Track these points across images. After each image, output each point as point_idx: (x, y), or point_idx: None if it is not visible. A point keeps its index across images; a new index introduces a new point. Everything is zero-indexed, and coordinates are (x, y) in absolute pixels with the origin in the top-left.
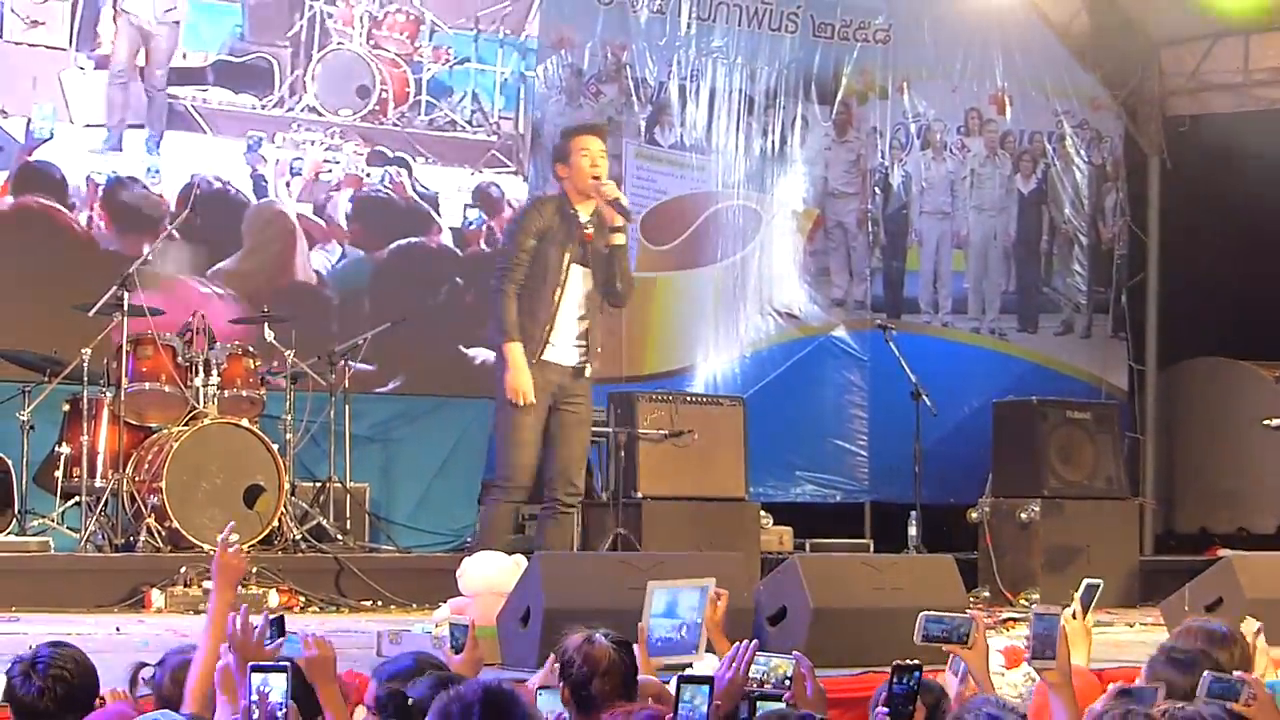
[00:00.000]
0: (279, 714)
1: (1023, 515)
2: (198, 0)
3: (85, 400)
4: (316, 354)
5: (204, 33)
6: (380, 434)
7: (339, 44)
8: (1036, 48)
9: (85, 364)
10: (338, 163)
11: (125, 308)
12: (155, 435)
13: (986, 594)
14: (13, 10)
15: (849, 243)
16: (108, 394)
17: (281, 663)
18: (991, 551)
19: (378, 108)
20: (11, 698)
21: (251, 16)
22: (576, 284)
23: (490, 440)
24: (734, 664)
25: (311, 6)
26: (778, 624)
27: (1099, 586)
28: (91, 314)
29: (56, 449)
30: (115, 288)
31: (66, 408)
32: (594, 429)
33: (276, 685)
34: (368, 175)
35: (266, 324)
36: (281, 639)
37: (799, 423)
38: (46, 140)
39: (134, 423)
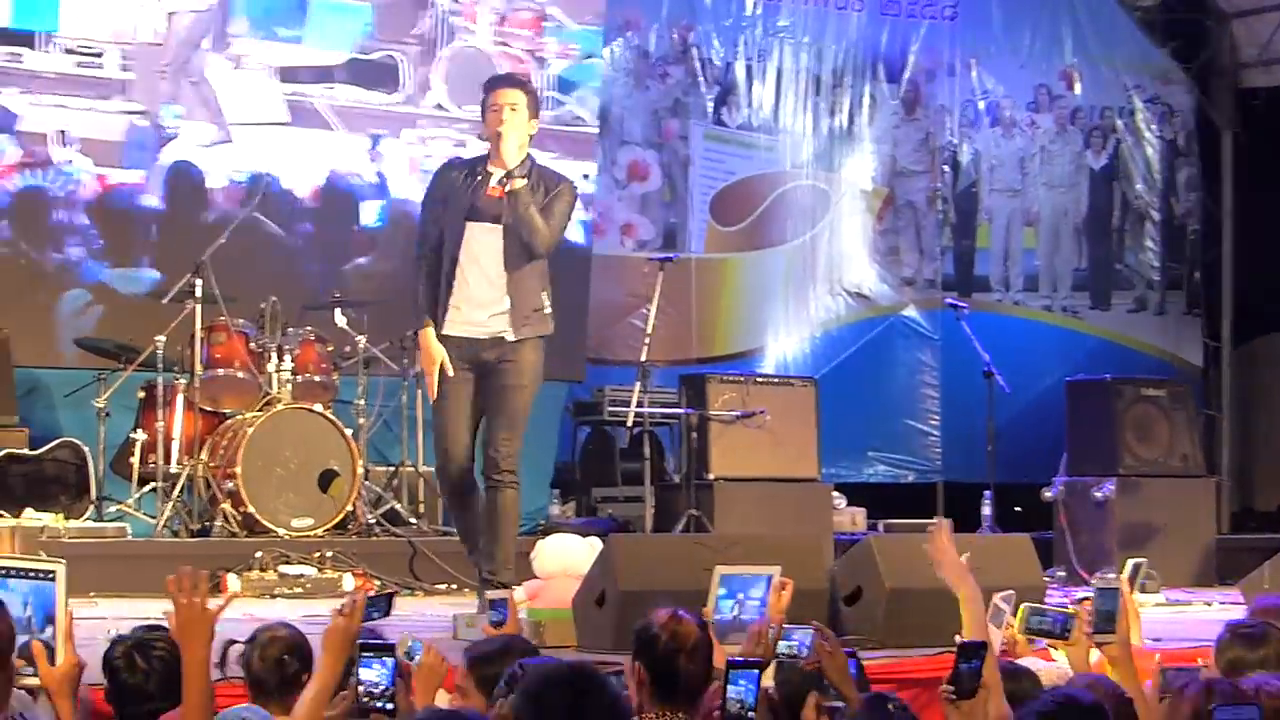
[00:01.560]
0: (386, 694)
1: (1098, 494)
2: (326, 1)
3: (160, 387)
4: (389, 339)
5: (332, 31)
6: None
7: (464, 41)
8: (1106, 22)
9: (160, 351)
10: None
11: (199, 295)
12: (230, 421)
13: (1062, 573)
14: (151, 12)
15: (919, 221)
16: (182, 380)
17: (388, 643)
18: (1066, 531)
19: None
20: (114, 679)
21: (380, 15)
22: (484, 246)
23: (564, 423)
24: (758, 640)
25: (437, 4)
26: (853, 604)
27: (1143, 565)
28: (165, 301)
29: (132, 436)
30: (189, 275)
31: (142, 395)
32: (666, 410)
33: (383, 666)
34: None
35: (338, 309)
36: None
37: (871, 403)
38: (173, 138)
39: (209, 409)
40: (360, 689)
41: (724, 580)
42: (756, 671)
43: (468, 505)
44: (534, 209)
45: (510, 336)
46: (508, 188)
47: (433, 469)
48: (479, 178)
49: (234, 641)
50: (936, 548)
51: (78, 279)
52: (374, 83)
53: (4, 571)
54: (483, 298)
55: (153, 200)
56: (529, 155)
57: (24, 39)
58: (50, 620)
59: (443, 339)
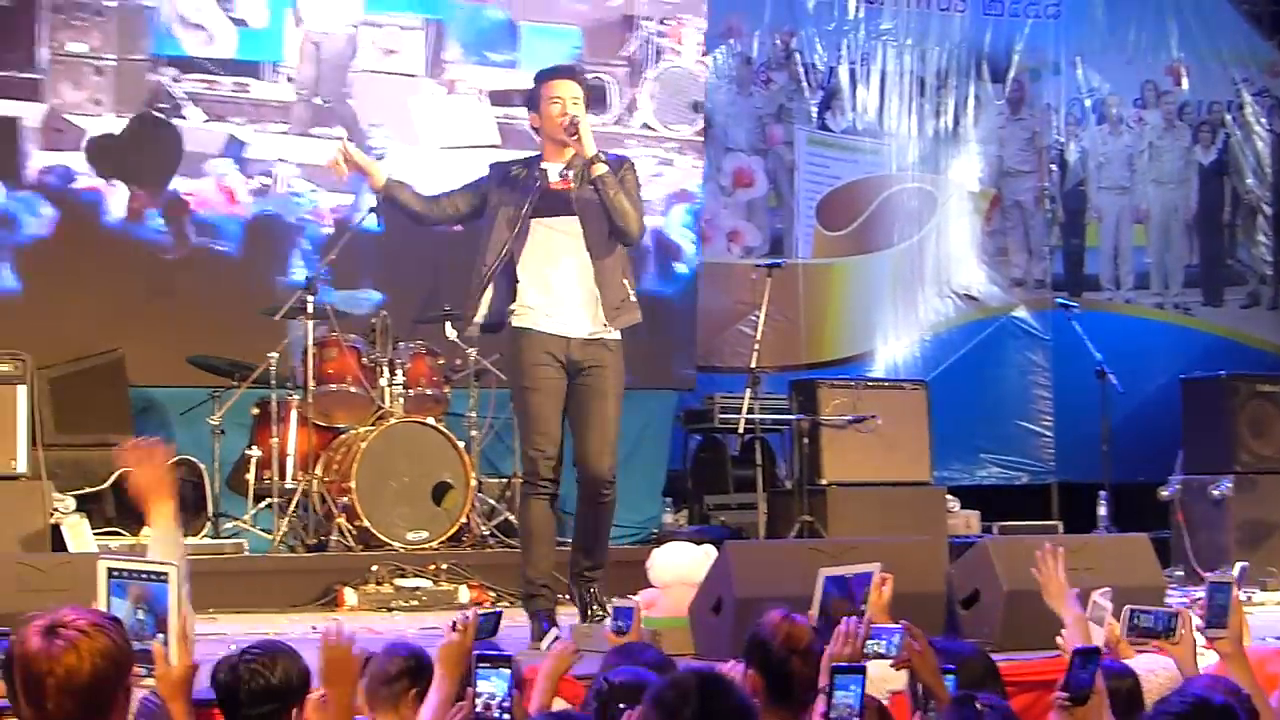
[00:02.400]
0: (504, 705)
1: (1215, 492)
2: (535, 24)
3: (274, 403)
4: (499, 350)
5: (543, 54)
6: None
7: (671, 61)
8: (1212, 15)
9: (273, 368)
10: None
11: (310, 311)
12: (343, 436)
13: (1180, 573)
14: (371, 42)
15: (1027, 221)
16: (296, 396)
17: (506, 654)
18: (1184, 529)
19: None
20: (229, 697)
21: (588, 37)
22: (561, 242)
23: (675, 432)
24: (847, 640)
25: (644, 26)
26: (970, 607)
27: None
28: (278, 318)
29: (247, 452)
30: (300, 291)
31: (256, 411)
32: (776, 417)
33: (500, 678)
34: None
35: (449, 322)
36: (489, 635)
37: (982, 405)
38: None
39: (322, 424)
40: (478, 701)
41: (827, 581)
42: (861, 675)
43: (550, 510)
44: (621, 193)
45: (605, 334)
46: (593, 172)
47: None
48: (537, 177)
49: (369, 656)
50: (1045, 574)
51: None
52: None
53: (116, 574)
54: (568, 295)
55: (370, 221)
56: None
57: (250, 69)
58: (162, 625)
59: (529, 335)
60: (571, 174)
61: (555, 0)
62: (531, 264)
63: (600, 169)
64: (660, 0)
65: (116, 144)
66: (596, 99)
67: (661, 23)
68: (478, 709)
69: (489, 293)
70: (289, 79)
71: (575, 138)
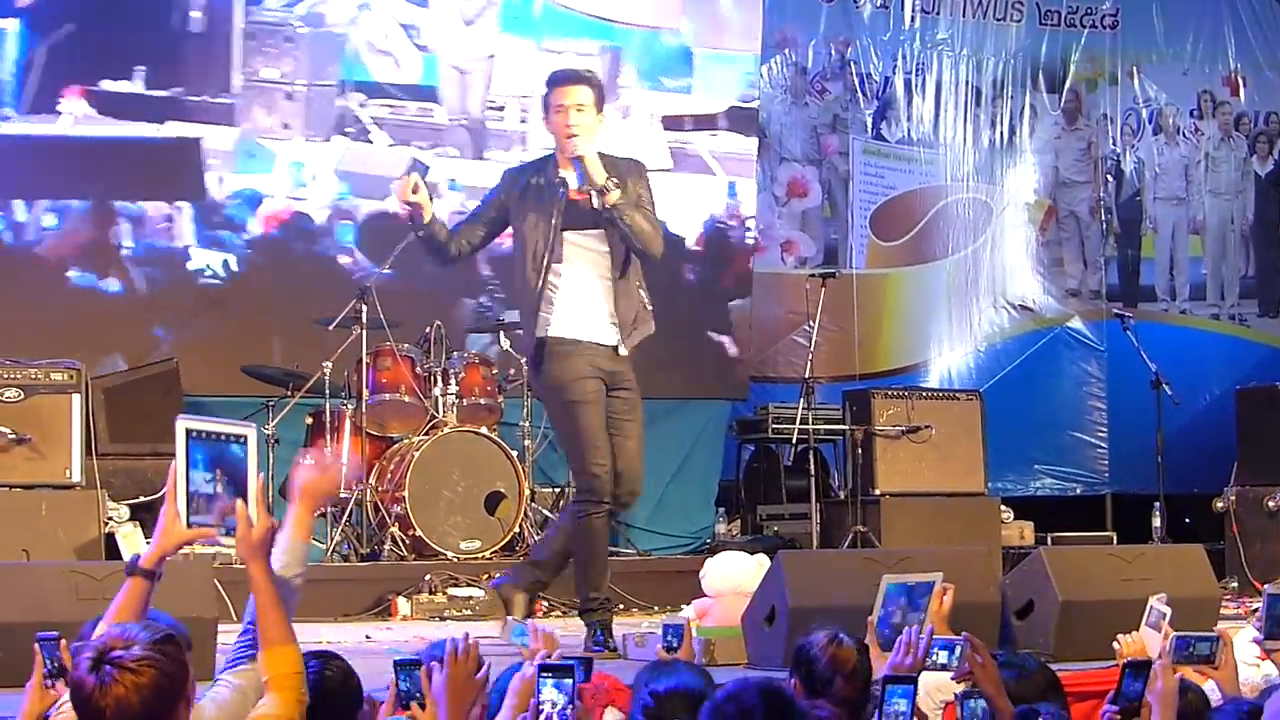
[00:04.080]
0: (565, 714)
1: (1270, 503)
2: (711, 50)
3: (328, 413)
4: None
5: (718, 80)
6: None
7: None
8: (1270, 26)
9: (326, 377)
10: None
11: (364, 320)
12: (397, 445)
13: (1235, 584)
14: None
15: (1082, 232)
16: (349, 406)
17: (568, 662)
18: (1239, 541)
19: None
20: None
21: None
22: (590, 256)
23: (728, 441)
24: (908, 650)
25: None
26: (1025, 617)
27: None
28: (332, 328)
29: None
30: (354, 301)
31: (309, 421)
32: (830, 427)
33: (560, 688)
34: None
35: (502, 332)
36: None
37: (1037, 415)
38: None
39: (375, 433)
40: (540, 711)
41: (889, 588)
42: (912, 685)
43: (608, 526)
44: (639, 215)
45: (623, 349)
46: (606, 203)
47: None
48: (558, 185)
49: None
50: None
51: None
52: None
53: (196, 435)
54: (599, 307)
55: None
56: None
57: (434, 94)
58: (240, 492)
59: (571, 346)
60: (590, 193)
61: (731, 26)
62: (564, 275)
63: (613, 197)
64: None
65: None
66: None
67: None
68: (540, 718)
69: (544, 312)
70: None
71: (566, 150)
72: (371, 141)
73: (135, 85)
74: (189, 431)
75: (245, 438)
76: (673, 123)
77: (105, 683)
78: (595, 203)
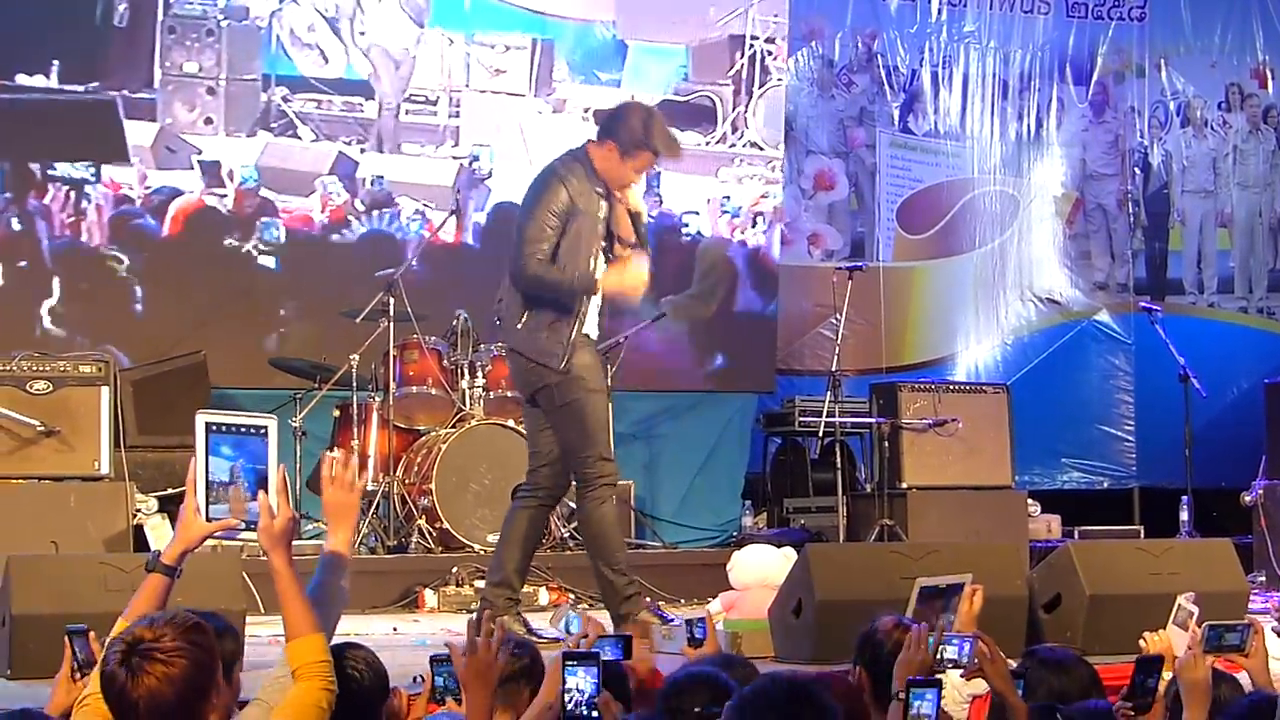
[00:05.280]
0: (592, 702)
1: None
2: (644, 44)
3: (355, 405)
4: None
5: (650, 74)
6: (643, 431)
7: (779, 80)
8: None
9: (354, 370)
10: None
11: (391, 313)
12: (424, 438)
13: (1262, 578)
14: (479, 61)
15: (1110, 225)
16: (376, 398)
17: (593, 652)
18: (1267, 535)
19: None
20: None
21: (695, 57)
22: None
23: (755, 434)
24: (918, 645)
25: (751, 45)
26: (1052, 611)
27: None
28: (359, 320)
29: (328, 454)
30: (381, 294)
31: (337, 413)
32: (857, 420)
33: (588, 676)
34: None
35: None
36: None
37: (1064, 409)
38: (486, 178)
39: (403, 426)
40: (566, 698)
41: (921, 590)
42: (937, 689)
43: None
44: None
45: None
46: (620, 252)
47: (631, 483)
48: (606, 218)
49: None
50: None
51: None
52: (690, 123)
53: (216, 429)
54: (596, 307)
55: (449, 225)
56: None
57: (362, 88)
58: (261, 484)
59: (589, 340)
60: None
61: (664, 20)
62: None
63: (626, 252)
64: (768, 19)
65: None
66: (706, 118)
67: (769, 41)
68: (567, 707)
69: (587, 310)
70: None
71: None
72: (297, 137)
73: (51, 80)
74: (209, 425)
75: (266, 429)
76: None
77: (137, 675)
78: (618, 250)
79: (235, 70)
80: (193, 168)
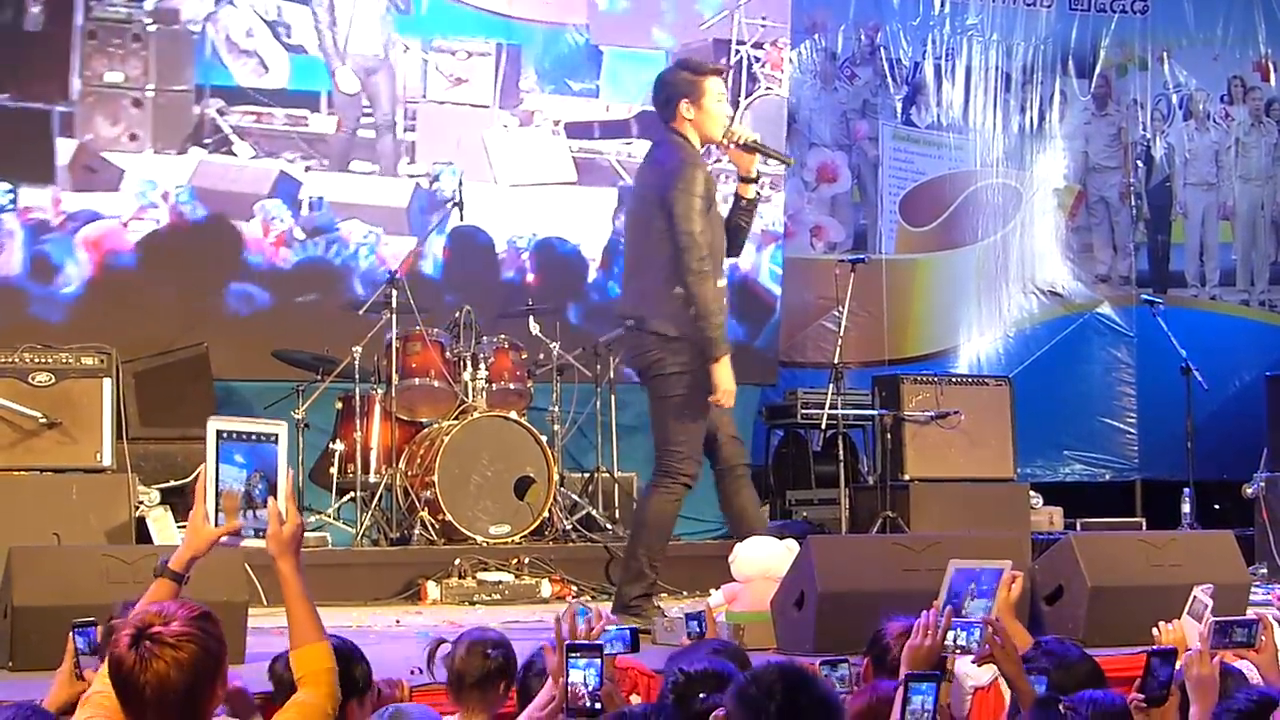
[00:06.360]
0: (596, 694)
1: None
2: (621, 49)
3: (357, 397)
4: (581, 346)
5: (628, 82)
6: (646, 423)
7: (768, 89)
8: None
9: (356, 362)
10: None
11: (394, 305)
12: (426, 430)
13: (1264, 570)
14: (437, 69)
15: (1112, 217)
16: (379, 390)
17: (597, 644)
18: (1269, 527)
19: None
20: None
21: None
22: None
23: (757, 426)
24: (925, 632)
25: (738, 51)
26: (1054, 603)
27: None
28: (361, 313)
29: (331, 446)
30: (384, 285)
31: (339, 405)
32: (859, 412)
33: (592, 667)
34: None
35: (531, 317)
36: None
37: (1066, 401)
38: (449, 201)
39: (405, 418)
40: (570, 690)
41: (955, 575)
42: (935, 684)
43: None
44: None
45: None
46: (747, 193)
47: (634, 475)
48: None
49: (443, 641)
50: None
51: None
52: None
53: (226, 436)
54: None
55: (436, 267)
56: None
57: (307, 100)
58: (271, 490)
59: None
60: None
61: (642, 23)
62: None
63: (751, 190)
64: (756, 22)
65: None
66: None
67: (757, 46)
68: (570, 699)
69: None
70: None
71: (738, 141)
72: (234, 154)
73: None
74: (220, 433)
75: (276, 436)
76: (579, 130)
77: (145, 658)
78: (750, 193)
79: (164, 80)
80: (118, 189)
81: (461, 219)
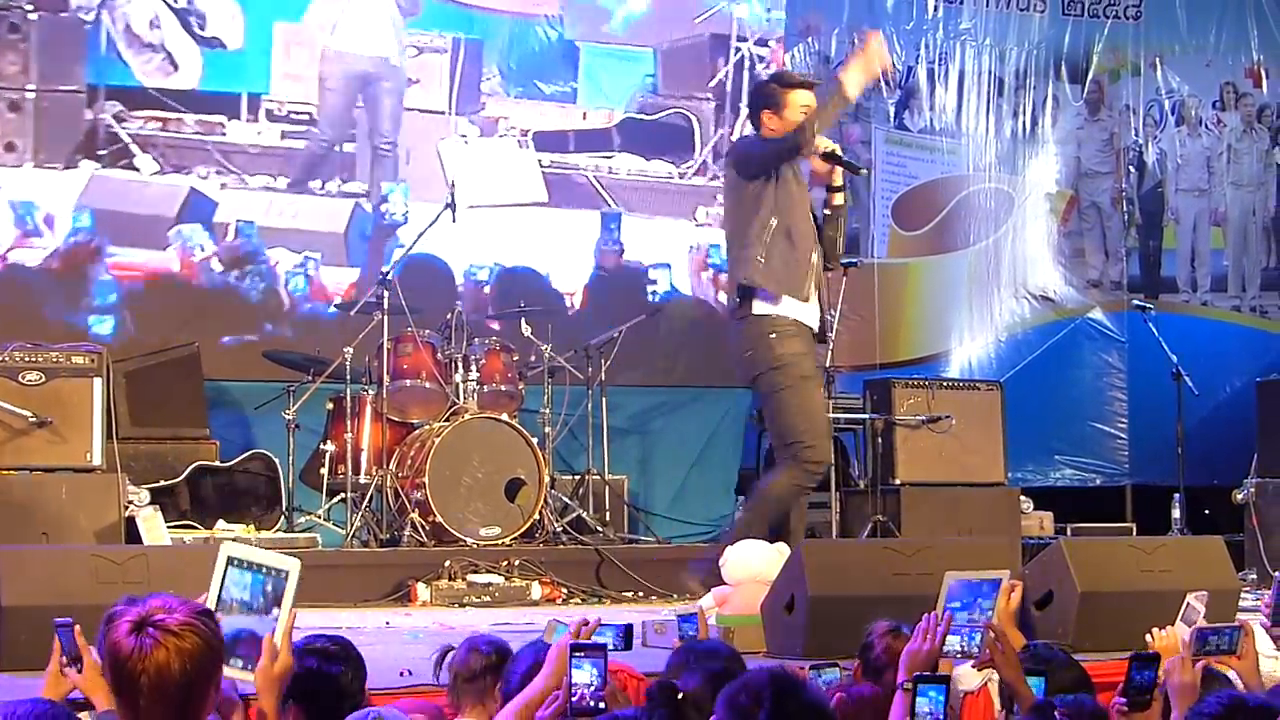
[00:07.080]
0: (598, 694)
1: None
2: (599, 45)
3: (348, 398)
4: (573, 348)
5: (607, 84)
6: (637, 426)
7: None
8: None
9: (348, 363)
10: None
11: (385, 306)
12: (417, 431)
13: (1253, 576)
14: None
15: (1104, 223)
16: (370, 392)
17: (599, 644)
18: (1259, 532)
19: None
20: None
21: (665, 63)
22: None
23: (748, 430)
24: (926, 636)
25: (739, 49)
26: (1044, 608)
27: None
28: (353, 313)
29: (321, 447)
30: (375, 286)
31: (330, 406)
32: (850, 416)
33: (594, 667)
34: None
35: (523, 319)
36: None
37: (1057, 406)
38: (400, 225)
39: (396, 419)
40: (573, 690)
41: (952, 585)
42: (944, 686)
43: None
44: None
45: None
46: (835, 201)
47: (625, 477)
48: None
49: (451, 648)
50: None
51: None
52: (659, 149)
53: (236, 563)
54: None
55: (445, 219)
56: None
57: (224, 104)
58: (267, 626)
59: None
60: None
61: (626, 16)
62: None
63: (840, 198)
64: (758, 16)
65: None
66: (679, 142)
67: (759, 43)
68: (573, 699)
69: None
70: (273, 118)
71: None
72: (135, 168)
73: None
74: (230, 559)
75: (287, 573)
76: (551, 141)
77: (146, 646)
78: (839, 200)
79: (49, 79)
80: None
81: (454, 221)
